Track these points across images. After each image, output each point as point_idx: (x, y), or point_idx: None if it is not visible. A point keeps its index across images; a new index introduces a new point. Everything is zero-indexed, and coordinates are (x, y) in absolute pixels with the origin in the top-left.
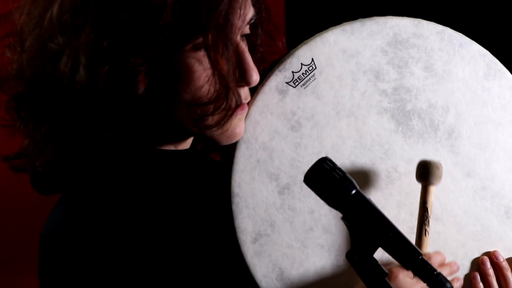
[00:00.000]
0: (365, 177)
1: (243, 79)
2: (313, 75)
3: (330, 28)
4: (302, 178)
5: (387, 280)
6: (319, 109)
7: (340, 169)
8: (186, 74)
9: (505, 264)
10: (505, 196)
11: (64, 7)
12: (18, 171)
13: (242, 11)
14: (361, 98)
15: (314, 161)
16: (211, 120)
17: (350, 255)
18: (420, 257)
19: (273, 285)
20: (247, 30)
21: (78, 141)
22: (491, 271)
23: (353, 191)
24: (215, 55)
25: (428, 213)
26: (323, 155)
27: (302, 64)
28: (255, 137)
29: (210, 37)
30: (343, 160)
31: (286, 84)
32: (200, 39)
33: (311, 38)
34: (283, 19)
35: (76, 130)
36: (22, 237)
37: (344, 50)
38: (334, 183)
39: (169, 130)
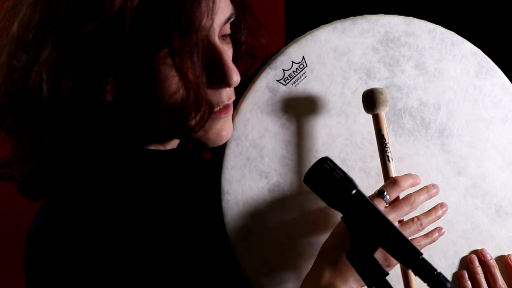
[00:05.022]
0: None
1: (223, 81)
2: (304, 73)
3: (321, 26)
4: (292, 175)
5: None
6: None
7: (340, 169)
8: (158, 81)
9: (492, 262)
10: (496, 195)
11: (24, 25)
12: (1, 180)
13: (212, 12)
14: (352, 96)
15: (304, 159)
16: (191, 122)
17: (350, 255)
18: (420, 257)
19: (262, 281)
20: (227, 30)
21: (57, 153)
22: (479, 269)
23: (353, 191)
24: (180, 60)
25: (385, 139)
26: (313, 153)
27: (292, 62)
28: (245, 135)
29: (175, 43)
30: (333, 158)
31: (276, 82)
32: (167, 47)
33: (302, 36)
34: (282, 17)
35: (53, 144)
36: (21, 238)
37: (335, 48)
38: (334, 183)
39: (152, 131)
